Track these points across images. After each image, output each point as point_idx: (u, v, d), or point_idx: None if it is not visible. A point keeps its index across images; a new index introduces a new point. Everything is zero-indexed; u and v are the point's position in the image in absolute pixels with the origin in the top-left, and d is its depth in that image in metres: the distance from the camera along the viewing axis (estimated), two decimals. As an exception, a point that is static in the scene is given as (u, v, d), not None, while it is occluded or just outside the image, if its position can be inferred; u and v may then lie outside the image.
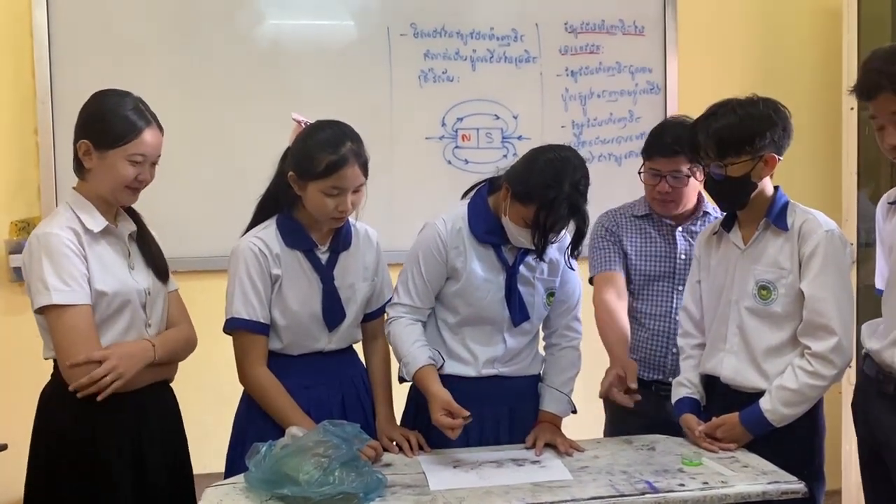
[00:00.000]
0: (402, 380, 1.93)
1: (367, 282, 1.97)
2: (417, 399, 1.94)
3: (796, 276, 1.80)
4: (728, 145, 1.79)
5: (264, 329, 1.85)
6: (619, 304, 2.16)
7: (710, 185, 1.87)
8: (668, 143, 2.10)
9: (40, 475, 1.77)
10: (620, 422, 2.15)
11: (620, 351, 2.05)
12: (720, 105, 1.83)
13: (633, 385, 1.95)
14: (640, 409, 2.01)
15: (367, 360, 2.04)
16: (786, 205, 1.86)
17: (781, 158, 1.83)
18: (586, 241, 1.85)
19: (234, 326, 1.84)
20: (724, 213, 1.95)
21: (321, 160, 1.77)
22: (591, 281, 2.23)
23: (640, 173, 2.18)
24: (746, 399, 1.84)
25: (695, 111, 1.92)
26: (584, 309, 2.07)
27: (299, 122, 1.89)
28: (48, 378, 1.80)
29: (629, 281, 2.22)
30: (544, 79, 3.20)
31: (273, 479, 1.56)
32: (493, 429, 1.94)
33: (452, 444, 1.83)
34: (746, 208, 1.86)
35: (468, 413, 1.76)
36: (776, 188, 1.88)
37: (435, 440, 1.88)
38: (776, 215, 1.84)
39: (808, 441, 1.85)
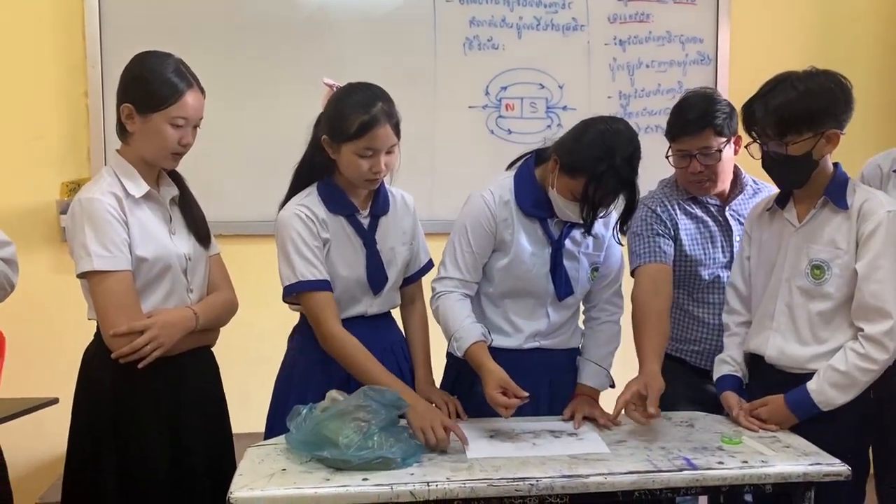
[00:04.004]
0: (450, 355, 1.92)
1: (406, 245, 1.97)
2: (457, 368, 1.95)
3: (852, 256, 1.75)
4: (789, 123, 1.71)
5: (331, 287, 1.84)
6: (665, 306, 1.97)
7: (769, 164, 1.79)
8: (692, 119, 1.99)
9: (82, 431, 1.81)
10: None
11: (653, 361, 1.85)
12: (778, 80, 1.75)
13: (653, 410, 1.74)
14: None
15: (405, 323, 2.04)
16: (846, 182, 1.80)
17: (844, 133, 1.76)
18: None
19: (303, 289, 1.81)
20: (780, 190, 1.88)
21: (353, 121, 1.76)
22: (632, 273, 2.05)
23: (667, 157, 2.08)
24: (790, 379, 1.81)
25: (746, 83, 1.86)
26: (626, 283, 2.04)
27: (331, 87, 1.88)
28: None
29: (687, 276, 2.10)
30: (591, 48, 3.14)
31: (313, 441, 1.59)
32: (531, 400, 1.92)
33: (490, 413, 1.83)
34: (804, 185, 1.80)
35: (526, 394, 1.72)
36: (836, 165, 1.82)
37: (473, 409, 1.89)
38: (836, 193, 1.78)
39: (854, 423, 1.80)
